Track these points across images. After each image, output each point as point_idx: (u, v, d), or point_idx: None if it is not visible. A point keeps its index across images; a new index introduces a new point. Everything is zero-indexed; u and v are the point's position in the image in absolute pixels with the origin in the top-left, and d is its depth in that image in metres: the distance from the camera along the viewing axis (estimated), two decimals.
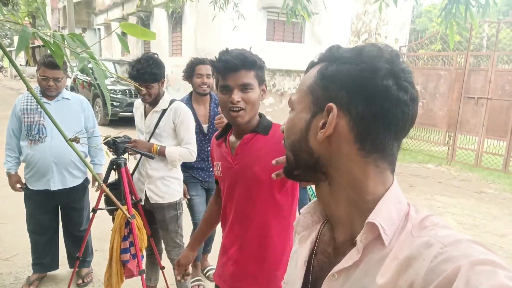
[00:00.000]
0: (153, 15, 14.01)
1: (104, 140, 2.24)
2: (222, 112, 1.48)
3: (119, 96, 9.99)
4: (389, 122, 0.63)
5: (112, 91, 9.94)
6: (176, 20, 12.32)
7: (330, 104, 0.65)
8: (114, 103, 9.86)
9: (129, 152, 2.43)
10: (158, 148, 2.41)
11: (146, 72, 2.31)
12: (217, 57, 1.43)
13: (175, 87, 12.66)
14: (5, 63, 33.26)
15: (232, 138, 1.56)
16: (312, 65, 0.74)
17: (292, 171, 0.74)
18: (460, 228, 4.65)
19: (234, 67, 1.39)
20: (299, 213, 0.83)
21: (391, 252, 0.60)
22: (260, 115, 1.53)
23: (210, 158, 2.36)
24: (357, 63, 0.64)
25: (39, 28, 34.16)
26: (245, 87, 1.41)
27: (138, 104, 2.61)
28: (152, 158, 2.39)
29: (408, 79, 0.64)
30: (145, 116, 2.53)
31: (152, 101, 2.47)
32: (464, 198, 5.95)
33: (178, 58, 12.73)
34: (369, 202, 0.65)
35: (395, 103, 0.62)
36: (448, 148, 8.41)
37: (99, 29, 20.38)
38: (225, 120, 2.50)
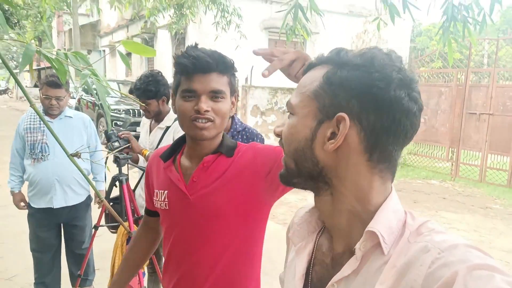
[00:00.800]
0: (157, 37, 14.27)
1: (107, 154, 2.26)
2: (180, 124, 1.16)
3: (122, 115, 10.09)
4: (399, 133, 0.62)
5: (115, 111, 10.04)
6: (179, 41, 12.54)
7: (342, 114, 0.62)
8: (118, 122, 9.94)
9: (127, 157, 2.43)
10: (148, 154, 2.39)
11: (141, 89, 2.37)
12: (184, 52, 1.12)
13: None
14: (11, 84, 33.80)
15: (184, 160, 1.22)
16: (311, 66, 0.70)
17: (291, 179, 0.71)
18: None
19: (205, 67, 1.09)
20: None
21: (389, 260, 0.60)
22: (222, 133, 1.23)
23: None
24: (369, 72, 0.61)
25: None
26: (216, 95, 1.11)
27: (146, 120, 2.66)
28: None
29: (417, 89, 0.64)
30: (150, 132, 2.56)
31: (157, 118, 2.50)
32: (469, 213, 5.89)
33: None
34: (370, 212, 0.64)
35: (406, 114, 0.62)
36: (452, 164, 8.37)
37: (104, 50, 20.74)
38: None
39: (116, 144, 2.34)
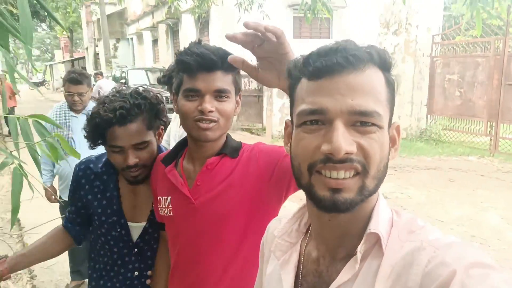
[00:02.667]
0: (181, 21, 14.27)
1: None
2: (183, 125, 1.11)
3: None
4: None
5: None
6: (203, 24, 12.49)
7: (398, 123, 0.66)
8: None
9: None
10: None
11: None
12: (187, 48, 1.06)
13: None
14: (47, 76, 35.16)
15: (186, 163, 1.16)
16: (359, 62, 0.58)
17: (356, 205, 0.60)
18: (505, 224, 4.39)
19: (210, 65, 1.03)
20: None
21: (383, 260, 0.59)
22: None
23: None
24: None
25: (77, 41, 35.67)
26: (220, 94, 1.06)
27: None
28: None
29: None
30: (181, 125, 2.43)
31: None
32: (509, 191, 5.61)
33: None
34: (367, 213, 0.64)
35: None
36: (490, 139, 7.98)
37: (131, 38, 21.03)
38: None
39: None
